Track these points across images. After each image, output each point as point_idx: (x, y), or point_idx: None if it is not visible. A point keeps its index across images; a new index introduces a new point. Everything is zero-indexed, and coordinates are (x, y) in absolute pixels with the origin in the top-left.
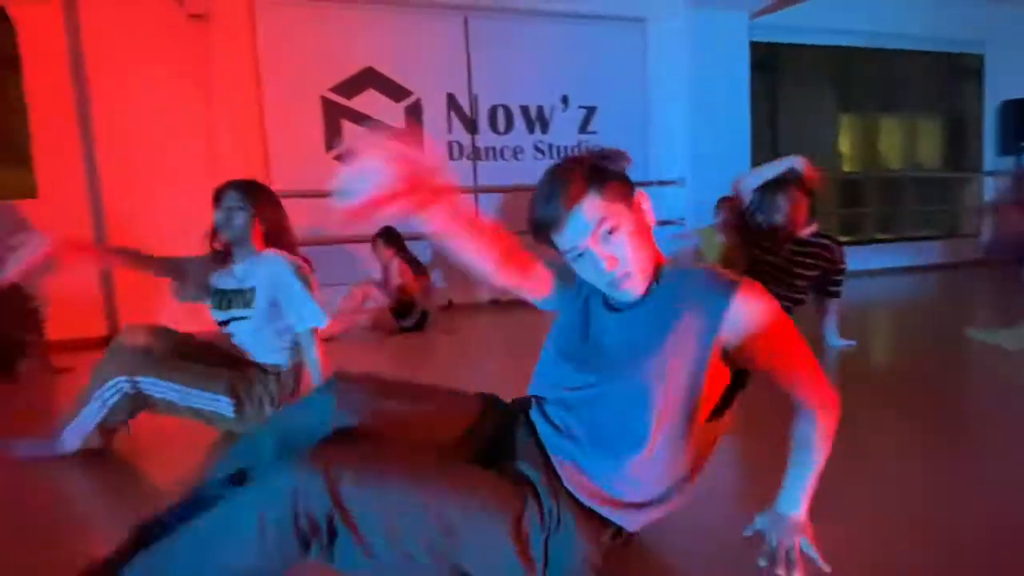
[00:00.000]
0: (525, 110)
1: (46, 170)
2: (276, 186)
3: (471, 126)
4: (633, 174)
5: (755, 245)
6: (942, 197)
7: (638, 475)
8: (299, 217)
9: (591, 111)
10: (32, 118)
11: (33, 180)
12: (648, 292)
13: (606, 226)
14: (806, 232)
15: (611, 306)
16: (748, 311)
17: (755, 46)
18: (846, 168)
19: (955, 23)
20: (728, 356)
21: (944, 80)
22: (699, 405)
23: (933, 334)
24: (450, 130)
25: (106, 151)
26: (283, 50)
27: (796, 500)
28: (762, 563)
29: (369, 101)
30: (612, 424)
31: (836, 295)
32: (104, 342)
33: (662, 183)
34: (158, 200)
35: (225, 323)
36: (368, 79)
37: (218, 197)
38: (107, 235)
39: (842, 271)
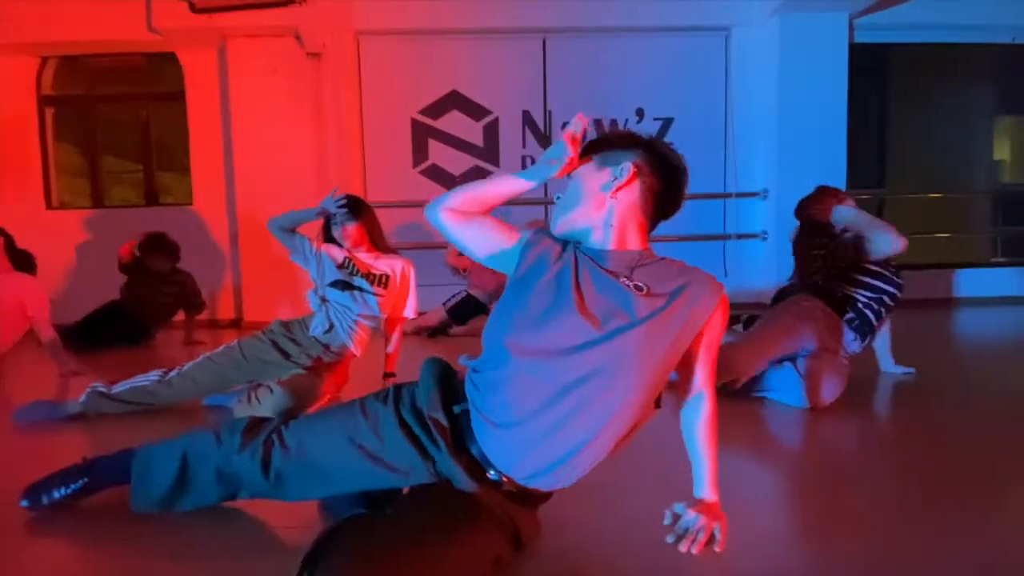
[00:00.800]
0: (598, 124)
1: (199, 183)
2: (371, 198)
3: (545, 141)
4: (710, 184)
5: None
6: None
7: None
8: (390, 224)
9: (667, 123)
10: (192, 140)
11: (191, 190)
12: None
13: (576, 176)
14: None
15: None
16: (722, 310)
17: (858, 48)
18: (1005, 178)
19: None
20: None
21: None
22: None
23: None
24: (524, 145)
25: (241, 168)
26: (381, 79)
27: (709, 486)
28: (669, 539)
29: (452, 121)
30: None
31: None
32: (234, 324)
33: (742, 195)
34: (276, 207)
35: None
36: (452, 101)
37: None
38: (239, 235)
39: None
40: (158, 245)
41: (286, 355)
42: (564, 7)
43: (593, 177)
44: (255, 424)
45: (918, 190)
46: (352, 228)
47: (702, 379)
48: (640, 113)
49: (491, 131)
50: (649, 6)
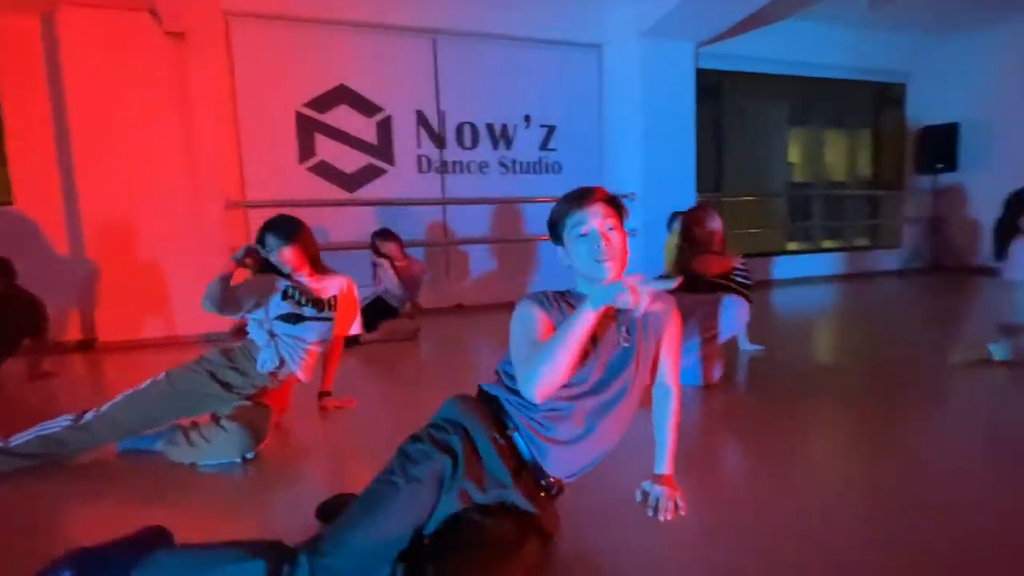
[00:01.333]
0: (490, 127)
1: (21, 177)
2: (250, 196)
3: (439, 141)
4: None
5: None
6: (873, 211)
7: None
8: None
9: (551, 130)
10: (7, 126)
11: (8, 189)
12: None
13: (611, 223)
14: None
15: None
16: (676, 321)
17: (701, 72)
18: (796, 178)
19: (879, 56)
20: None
21: (872, 105)
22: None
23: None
24: (419, 145)
25: (83, 161)
26: (258, 66)
27: (668, 462)
28: (650, 513)
29: (342, 116)
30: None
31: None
32: (80, 346)
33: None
34: (136, 208)
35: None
36: (341, 95)
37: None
38: (84, 243)
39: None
40: None
41: (228, 386)
42: (452, 10)
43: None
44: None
45: (742, 193)
46: (288, 252)
47: (667, 376)
48: (528, 120)
49: (384, 129)
50: (529, 18)
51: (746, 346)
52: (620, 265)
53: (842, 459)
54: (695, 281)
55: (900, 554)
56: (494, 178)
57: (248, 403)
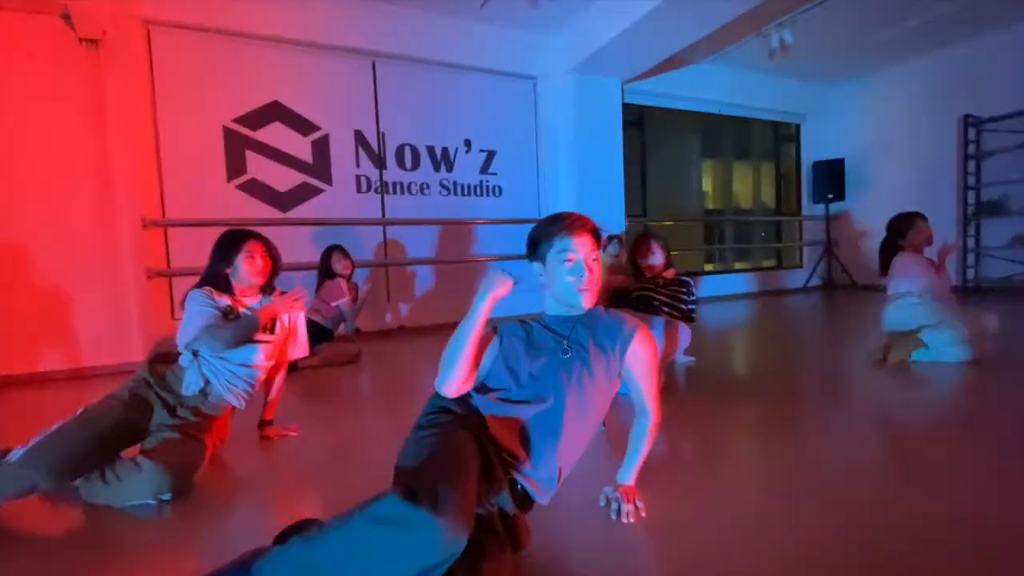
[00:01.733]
0: (431, 150)
1: None
2: (170, 214)
3: (379, 162)
4: (526, 210)
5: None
6: (777, 235)
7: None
8: (203, 243)
9: (491, 154)
10: None
11: None
12: (583, 318)
13: (595, 256)
14: (670, 273)
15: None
16: (643, 345)
17: (627, 106)
18: (709, 205)
19: (778, 98)
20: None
21: (772, 141)
22: (610, 395)
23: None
24: (358, 164)
25: None
26: (182, 79)
27: (631, 474)
28: (613, 516)
29: (275, 134)
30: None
31: (692, 320)
32: None
33: None
34: (43, 222)
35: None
36: (274, 112)
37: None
38: None
39: (695, 301)
40: None
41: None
42: (392, 33)
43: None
44: None
45: (664, 218)
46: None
47: (643, 398)
48: (468, 144)
49: (321, 147)
50: (468, 48)
51: (681, 359)
52: (594, 295)
53: (772, 454)
54: (641, 303)
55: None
56: (436, 199)
57: (176, 435)
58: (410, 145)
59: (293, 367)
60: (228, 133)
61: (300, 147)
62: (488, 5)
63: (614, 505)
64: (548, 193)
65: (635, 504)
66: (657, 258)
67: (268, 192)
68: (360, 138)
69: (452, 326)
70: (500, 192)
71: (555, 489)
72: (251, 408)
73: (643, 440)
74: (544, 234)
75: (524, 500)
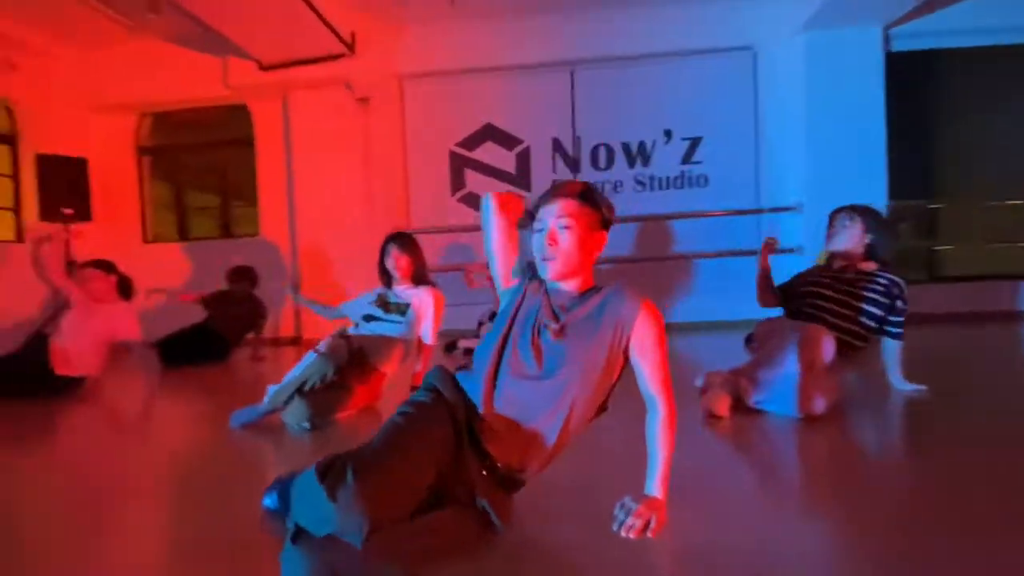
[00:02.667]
0: (626, 146)
1: (265, 216)
2: (414, 225)
3: (574, 165)
4: (741, 199)
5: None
6: None
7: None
8: (432, 247)
9: (696, 141)
10: (259, 179)
11: (256, 224)
12: (586, 294)
13: (565, 222)
14: (870, 265)
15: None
16: (647, 323)
17: (896, 57)
18: None
19: None
20: (625, 349)
21: None
22: (612, 376)
23: None
24: (554, 170)
25: (300, 202)
26: (423, 117)
27: (655, 485)
28: (614, 527)
29: (487, 152)
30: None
31: (895, 337)
32: (293, 341)
33: (776, 210)
34: (331, 235)
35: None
36: (487, 133)
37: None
38: (299, 263)
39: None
40: (242, 274)
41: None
42: (591, 40)
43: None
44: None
45: (977, 199)
46: (401, 258)
47: (648, 384)
48: (668, 134)
49: (523, 159)
50: (668, 32)
51: (901, 385)
52: (563, 266)
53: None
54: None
55: None
56: (629, 196)
57: (327, 382)
58: (604, 144)
59: (451, 348)
60: (453, 156)
61: (506, 160)
62: None
63: (621, 513)
64: (769, 178)
65: (648, 521)
66: (845, 239)
67: (480, 203)
68: (557, 145)
69: (671, 326)
70: (706, 182)
71: (553, 442)
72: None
73: (659, 439)
74: (532, 206)
75: (511, 482)
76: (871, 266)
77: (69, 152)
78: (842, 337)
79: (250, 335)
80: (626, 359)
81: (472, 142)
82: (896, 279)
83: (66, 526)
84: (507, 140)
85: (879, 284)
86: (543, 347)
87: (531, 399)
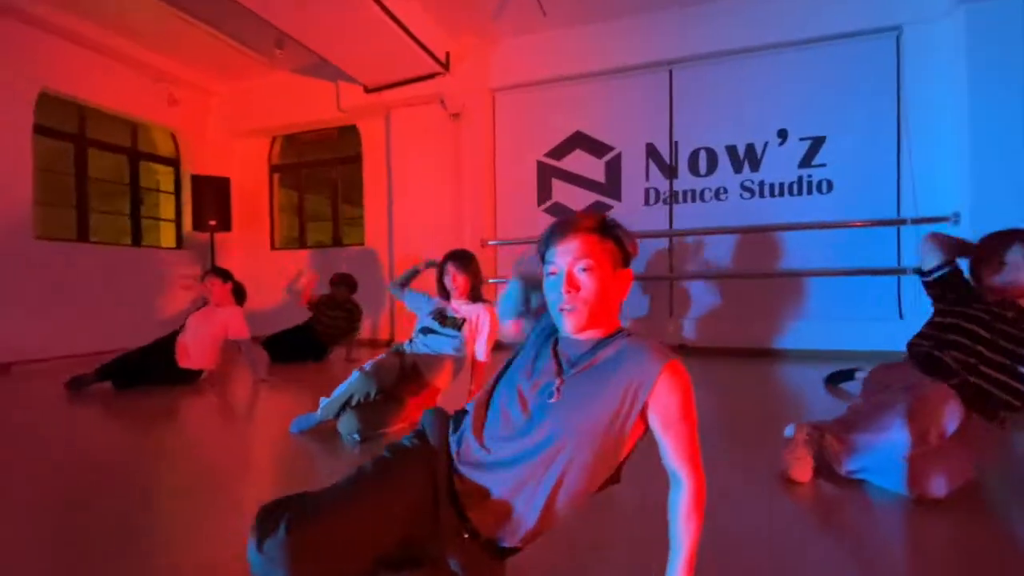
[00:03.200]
0: (731, 150)
1: (370, 227)
2: (500, 236)
3: (670, 172)
4: (877, 207)
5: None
6: None
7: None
8: (514, 259)
9: (818, 142)
10: (365, 193)
11: (362, 234)
12: (600, 344)
13: (585, 263)
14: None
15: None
16: (671, 385)
17: None
18: None
19: None
20: (643, 416)
21: None
22: (621, 446)
23: None
24: (647, 178)
25: (397, 213)
26: (512, 129)
27: (679, 573)
28: None
29: (575, 161)
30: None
31: None
32: (388, 343)
33: (923, 220)
34: (423, 244)
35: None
36: (576, 142)
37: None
38: (396, 269)
39: None
40: (343, 280)
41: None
42: (692, 36)
43: None
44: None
45: None
46: (458, 276)
47: (671, 457)
48: (783, 134)
49: (613, 167)
50: (783, 21)
51: None
52: (586, 318)
53: None
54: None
55: None
56: (734, 203)
57: (379, 395)
58: (705, 148)
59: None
60: (540, 166)
61: (595, 169)
62: None
63: None
64: (914, 181)
65: None
66: (1007, 275)
67: (566, 212)
68: (652, 151)
69: (742, 351)
70: (830, 187)
71: (537, 515)
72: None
73: (681, 521)
74: (539, 247)
75: (494, 549)
76: None
77: (216, 172)
78: (995, 393)
79: (347, 338)
80: (646, 427)
81: (560, 151)
82: None
83: (183, 493)
84: (597, 148)
85: None
86: (531, 404)
87: (513, 465)
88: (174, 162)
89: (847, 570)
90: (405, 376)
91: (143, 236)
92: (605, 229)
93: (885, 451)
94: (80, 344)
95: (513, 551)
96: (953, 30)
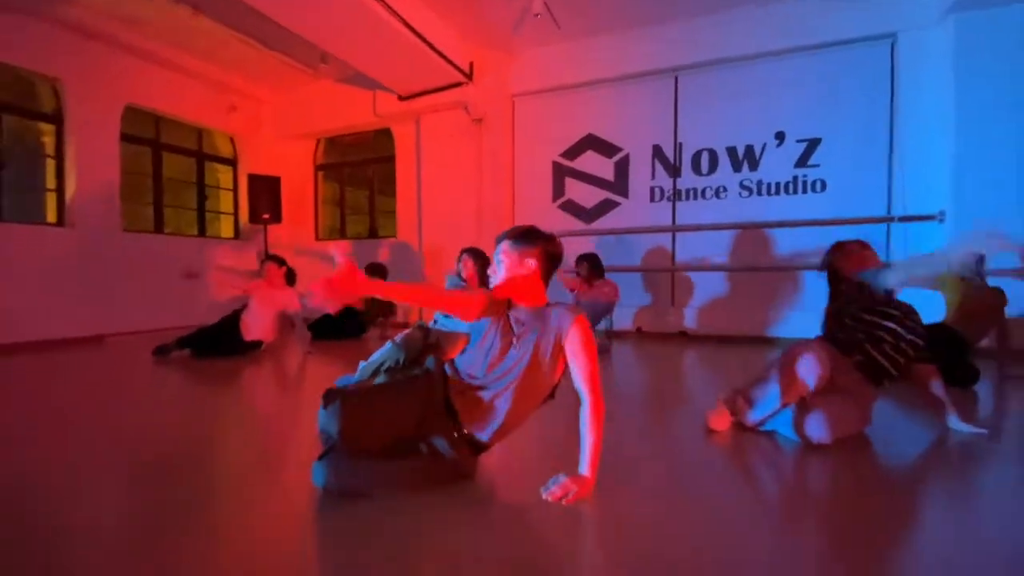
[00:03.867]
0: (732, 151)
1: (401, 221)
2: None
3: (674, 171)
4: (868, 205)
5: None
6: None
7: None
8: None
9: (813, 143)
10: (398, 190)
11: (395, 227)
12: (536, 311)
13: (500, 257)
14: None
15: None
16: (576, 332)
17: None
18: None
19: None
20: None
21: None
22: (553, 372)
23: None
24: (653, 176)
25: (426, 209)
26: (530, 132)
27: (584, 465)
28: (542, 492)
29: (587, 161)
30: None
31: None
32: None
33: (911, 218)
34: (448, 237)
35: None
36: (588, 143)
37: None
38: (424, 260)
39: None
40: (376, 269)
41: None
42: (697, 44)
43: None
44: None
45: None
46: (470, 266)
47: (577, 381)
48: (780, 136)
49: (621, 166)
50: (793, 26)
51: (956, 425)
52: (502, 284)
53: None
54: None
55: None
56: (733, 202)
57: (405, 364)
58: (708, 149)
59: None
60: (555, 166)
61: (605, 168)
62: None
63: (549, 484)
64: (906, 184)
65: (567, 492)
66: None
67: (578, 209)
68: (657, 151)
69: (740, 339)
70: (823, 187)
71: (490, 424)
72: None
73: (586, 428)
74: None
75: (473, 442)
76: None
77: (268, 171)
78: (885, 366)
79: (381, 318)
80: (566, 362)
81: (574, 152)
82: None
83: (241, 447)
84: (607, 148)
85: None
86: (500, 350)
87: (491, 385)
88: (232, 162)
89: (726, 485)
90: (428, 347)
91: (207, 228)
92: (517, 236)
93: (771, 402)
94: (159, 320)
95: (485, 446)
96: (944, 38)
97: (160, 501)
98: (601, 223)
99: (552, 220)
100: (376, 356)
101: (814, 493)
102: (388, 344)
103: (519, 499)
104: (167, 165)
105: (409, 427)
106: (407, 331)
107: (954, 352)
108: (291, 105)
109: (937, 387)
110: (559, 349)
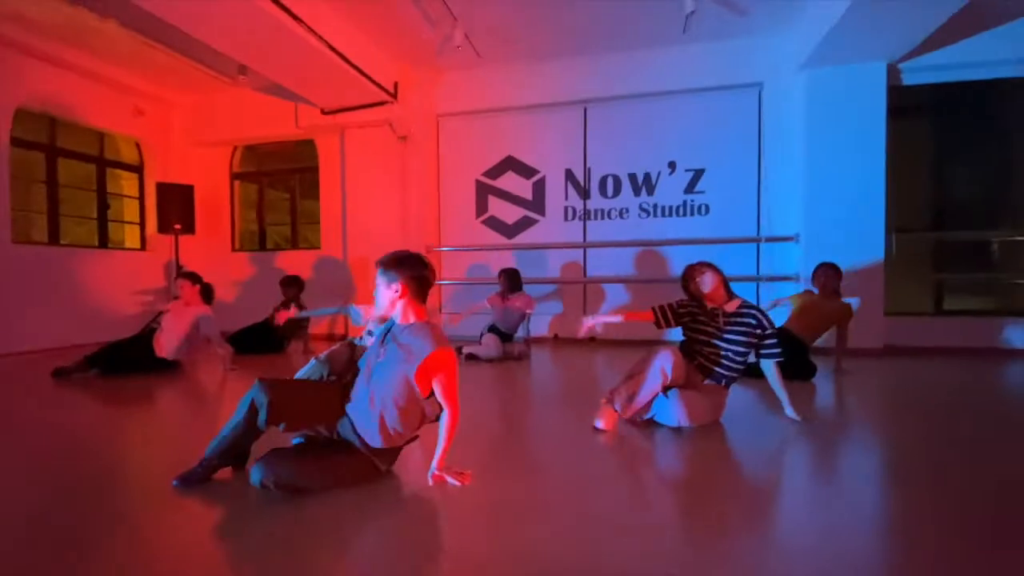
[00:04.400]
0: (632, 177)
1: (325, 232)
2: (444, 243)
3: (584, 193)
4: (741, 227)
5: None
6: None
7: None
8: (459, 263)
9: (698, 173)
10: (321, 202)
11: (319, 238)
12: (407, 328)
13: (377, 282)
14: (732, 305)
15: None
16: (440, 356)
17: (904, 91)
18: None
19: None
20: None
21: None
22: (414, 393)
23: None
24: (566, 197)
25: (351, 222)
26: (454, 151)
27: (435, 460)
28: (430, 481)
29: (508, 181)
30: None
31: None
32: (343, 338)
33: (774, 239)
34: (375, 250)
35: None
36: (508, 164)
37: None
38: (350, 271)
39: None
40: (292, 282)
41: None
42: (602, 80)
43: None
44: None
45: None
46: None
47: (439, 397)
48: (672, 166)
49: (539, 187)
50: (673, 72)
51: (789, 412)
52: (383, 309)
53: None
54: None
55: None
56: (634, 222)
57: (330, 378)
58: (612, 175)
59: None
60: (478, 184)
61: (524, 188)
62: (690, 29)
63: (428, 475)
64: (769, 208)
65: (441, 479)
66: (709, 282)
67: (500, 224)
68: (570, 175)
69: (637, 343)
70: (707, 210)
71: (377, 432)
72: None
73: (442, 433)
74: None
75: (370, 447)
76: (733, 305)
77: (180, 178)
78: (720, 371)
79: (301, 332)
80: (430, 380)
81: (495, 172)
82: (756, 310)
83: (157, 463)
84: (525, 170)
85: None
86: (376, 362)
87: (362, 400)
88: (139, 169)
89: (611, 468)
90: (353, 363)
91: (109, 239)
92: (390, 265)
93: (642, 395)
94: (56, 338)
95: (389, 449)
96: (799, 89)
97: (67, 526)
98: (521, 238)
99: (477, 235)
100: (301, 373)
101: (674, 468)
102: (312, 361)
103: (424, 491)
104: (64, 172)
105: (327, 416)
106: (334, 347)
107: (789, 351)
108: (205, 111)
109: (775, 381)
110: (423, 371)
